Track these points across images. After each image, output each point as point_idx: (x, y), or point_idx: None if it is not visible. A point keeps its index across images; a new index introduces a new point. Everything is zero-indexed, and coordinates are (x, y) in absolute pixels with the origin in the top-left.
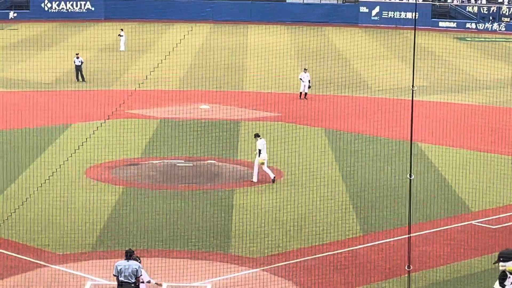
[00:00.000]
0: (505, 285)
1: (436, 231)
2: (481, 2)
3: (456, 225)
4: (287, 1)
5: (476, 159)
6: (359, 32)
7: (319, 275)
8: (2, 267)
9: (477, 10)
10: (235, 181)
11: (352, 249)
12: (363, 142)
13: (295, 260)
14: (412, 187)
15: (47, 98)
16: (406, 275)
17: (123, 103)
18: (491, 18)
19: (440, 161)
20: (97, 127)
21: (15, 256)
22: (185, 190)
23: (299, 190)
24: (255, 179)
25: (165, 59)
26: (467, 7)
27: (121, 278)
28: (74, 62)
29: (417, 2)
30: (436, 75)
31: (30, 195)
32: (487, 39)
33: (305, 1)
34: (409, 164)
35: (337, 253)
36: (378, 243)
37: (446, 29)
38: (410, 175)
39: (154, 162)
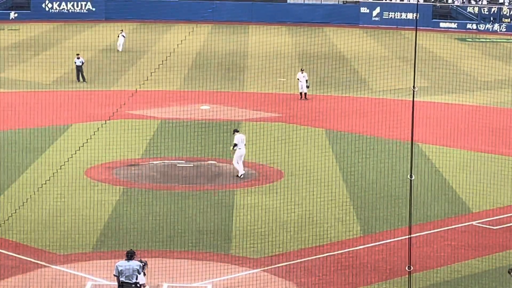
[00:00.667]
0: None
1: (437, 231)
2: (482, 3)
3: (457, 225)
4: (288, 2)
5: (477, 160)
6: (360, 33)
7: (320, 275)
8: (3, 268)
9: (478, 11)
10: (235, 181)
11: (352, 250)
12: (364, 143)
13: (296, 261)
14: (412, 187)
15: (48, 99)
16: (407, 275)
17: (124, 104)
18: (492, 19)
19: (441, 162)
20: (98, 128)
21: (15, 257)
22: (185, 190)
23: (299, 191)
24: (240, 172)
25: (166, 59)
26: (468, 8)
27: (122, 279)
28: (75, 62)
29: (418, 2)
30: (437, 75)
31: (30, 195)
32: (488, 40)
33: (306, 2)
34: (409, 164)
35: (338, 253)
36: (379, 244)
37: (447, 30)
38: (411, 176)
39: (155, 162)
